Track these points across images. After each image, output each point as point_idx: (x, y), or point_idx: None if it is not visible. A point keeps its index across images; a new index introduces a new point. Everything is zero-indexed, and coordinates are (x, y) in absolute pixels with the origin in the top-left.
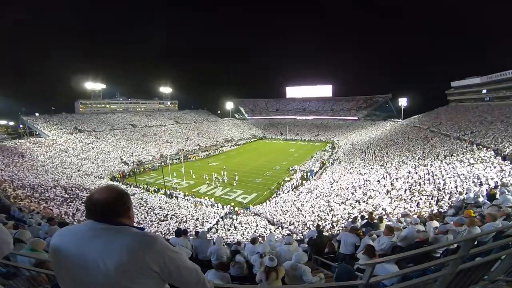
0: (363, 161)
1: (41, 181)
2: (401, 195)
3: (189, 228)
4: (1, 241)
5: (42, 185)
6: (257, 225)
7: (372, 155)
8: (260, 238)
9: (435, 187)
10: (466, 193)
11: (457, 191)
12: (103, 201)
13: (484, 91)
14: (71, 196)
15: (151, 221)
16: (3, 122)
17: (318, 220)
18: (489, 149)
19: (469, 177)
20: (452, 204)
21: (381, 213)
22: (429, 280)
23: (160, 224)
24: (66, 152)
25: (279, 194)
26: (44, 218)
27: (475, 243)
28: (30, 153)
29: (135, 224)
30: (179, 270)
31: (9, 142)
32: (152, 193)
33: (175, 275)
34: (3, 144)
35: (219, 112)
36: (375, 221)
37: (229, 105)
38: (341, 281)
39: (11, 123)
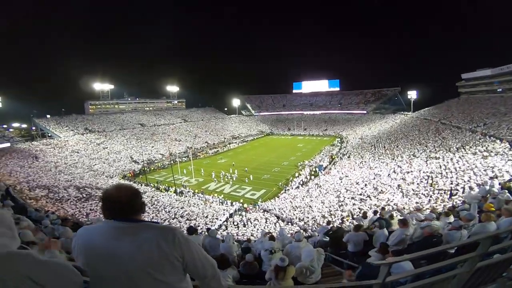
0: (373, 155)
1: (55, 182)
2: (413, 189)
3: (199, 226)
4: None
5: (56, 185)
6: (266, 221)
7: (382, 149)
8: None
9: (448, 180)
10: (480, 186)
11: (470, 185)
12: (121, 200)
13: (496, 83)
14: (84, 196)
15: (162, 220)
16: (16, 124)
17: (329, 216)
18: (503, 141)
19: (484, 170)
20: (465, 199)
21: (392, 208)
22: (447, 278)
23: (170, 222)
24: (78, 152)
25: (288, 190)
26: (59, 219)
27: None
28: (44, 155)
29: (147, 220)
30: (194, 262)
31: (22, 144)
32: (163, 192)
33: (191, 266)
34: (17, 147)
35: (225, 109)
36: (387, 217)
37: (236, 102)
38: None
39: (24, 126)
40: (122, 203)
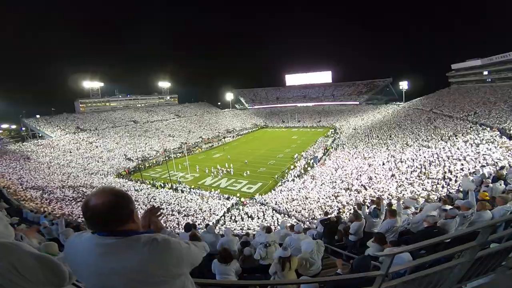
0: (367, 145)
1: (48, 182)
2: (407, 178)
3: (197, 221)
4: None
5: (50, 186)
6: (264, 215)
7: (376, 139)
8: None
9: (441, 169)
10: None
11: (463, 173)
12: (102, 209)
13: (486, 72)
14: (79, 195)
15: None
16: (5, 126)
17: (325, 208)
18: (493, 129)
19: (475, 158)
20: (459, 187)
21: (387, 198)
22: (447, 268)
23: (168, 219)
24: (70, 152)
25: (284, 182)
26: (56, 220)
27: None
28: (36, 155)
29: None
30: (193, 262)
31: (13, 145)
32: (158, 188)
33: (191, 267)
34: (8, 148)
35: (219, 103)
36: (385, 207)
37: (229, 96)
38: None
39: (13, 127)
40: (101, 213)
